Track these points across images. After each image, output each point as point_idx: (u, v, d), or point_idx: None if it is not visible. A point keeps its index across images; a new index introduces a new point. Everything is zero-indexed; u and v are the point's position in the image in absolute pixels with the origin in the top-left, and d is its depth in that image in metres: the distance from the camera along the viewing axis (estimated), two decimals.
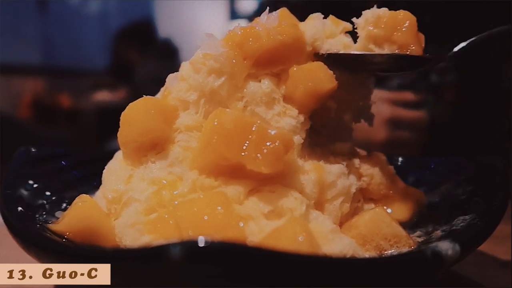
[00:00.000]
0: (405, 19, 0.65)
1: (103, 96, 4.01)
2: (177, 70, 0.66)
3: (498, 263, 0.69)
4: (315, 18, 0.69)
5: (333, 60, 0.65)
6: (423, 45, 0.66)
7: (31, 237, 0.49)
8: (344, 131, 0.72)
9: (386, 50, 0.65)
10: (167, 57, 3.89)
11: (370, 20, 0.67)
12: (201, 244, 0.36)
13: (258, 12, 1.60)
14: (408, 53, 0.64)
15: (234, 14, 6.42)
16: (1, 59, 3.91)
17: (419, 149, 1.28)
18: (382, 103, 1.26)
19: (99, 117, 3.85)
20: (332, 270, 0.40)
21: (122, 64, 4.10)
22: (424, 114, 1.30)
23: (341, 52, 0.67)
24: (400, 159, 0.82)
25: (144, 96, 0.63)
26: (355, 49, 0.68)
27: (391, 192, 0.69)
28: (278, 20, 0.63)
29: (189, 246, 0.36)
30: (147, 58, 3.88)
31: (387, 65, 0.67)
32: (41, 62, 4.73)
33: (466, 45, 0.64)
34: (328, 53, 0.66)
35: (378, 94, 1.26)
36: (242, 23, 0.67)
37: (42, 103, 4.05)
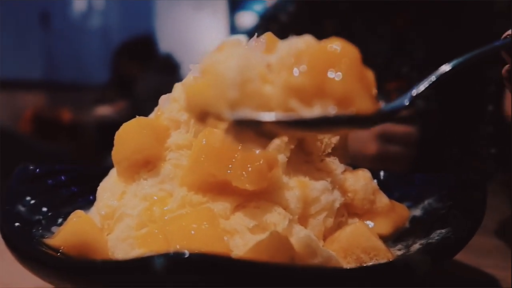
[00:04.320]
0: (341, 54, 0.42)
1: (104, 111, 4.05)
2: None
3: (482, 276, 0.71)
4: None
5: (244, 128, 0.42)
6: (374, 89, 0.44)
7: (26, 251, 0.52)
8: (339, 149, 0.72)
9: (316, 108, 0.41)
10: (168, 72, 3.93)
11: (287, 59, 0.43)
12: (184, 256, 0.39)
13: (257, 27, 1.64)
14: (349, 112, 0.41)
15: (233, 29, 6.51)
16: (3, 74, 3.96)
17: (409, 164, 1.31)
18: None
19: (100, 132, 3.88)
20: (306, 280, 0.42)
21: (123, 79, 4.14)
22: (414, 129, 1.32)
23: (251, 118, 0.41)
24: (384, 174, 0.85)
25: (137, 116, 0.66)
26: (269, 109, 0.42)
27: (374, 207, 0.72)
28: (266, 45, 0.66)
29: (172, 257, 0.39)
30: (148, 73, 3.92)
31: (320, 130, 0.49)
32: (42, 76, 4.79)
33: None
34: (235, 120, 0.41)
35: None
36: (241, 37, 0.69)
37: (43, 118, 4.08)
